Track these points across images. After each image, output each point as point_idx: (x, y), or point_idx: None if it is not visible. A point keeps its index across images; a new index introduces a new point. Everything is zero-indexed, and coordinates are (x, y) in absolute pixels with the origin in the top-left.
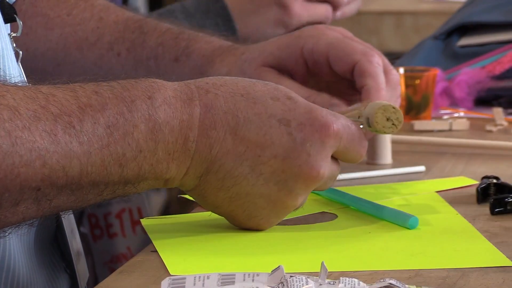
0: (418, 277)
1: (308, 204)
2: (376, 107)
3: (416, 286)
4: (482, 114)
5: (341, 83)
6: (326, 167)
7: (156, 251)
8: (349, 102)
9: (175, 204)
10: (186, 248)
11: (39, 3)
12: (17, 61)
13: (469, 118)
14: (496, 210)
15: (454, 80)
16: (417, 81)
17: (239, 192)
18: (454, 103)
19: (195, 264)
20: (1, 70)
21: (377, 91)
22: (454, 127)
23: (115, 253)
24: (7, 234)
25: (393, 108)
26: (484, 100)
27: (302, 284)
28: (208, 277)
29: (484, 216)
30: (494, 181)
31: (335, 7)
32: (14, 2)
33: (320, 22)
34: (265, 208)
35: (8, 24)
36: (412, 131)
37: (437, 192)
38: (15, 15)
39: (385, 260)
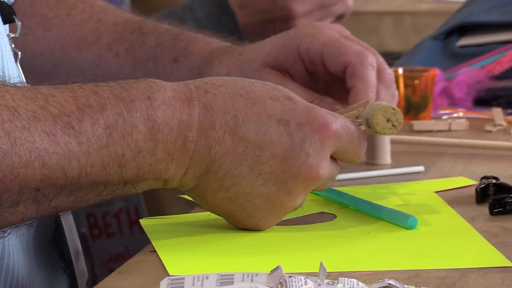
0: (417, 277)
1: (307, 204)
2: (376, 108)
3: (415, 286)
4: (481, 114)
5: (338, 82)
6: (325, 167)
7: (155, 251)
8: (347, 101)
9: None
10: (185, 248)
11: (38, 4)
12: (15, 61)
13: (468, 118)
14: (495, 210)
15: (454, 80)
16: (416, 81)
17: (238, 192)
18: (453, 103)
19: (194, 264)
20: (0, 71)
21: (365, 94)
22: (453, 127)
23: (113, 252)
24: (6, 234)
25: (393, 109)
26: (483, 100)
27: (301, 285)
28: (207, 277)
29: (483, 217)
30: (493, 181)
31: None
32: (13, 3)
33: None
34: (264, 208)
35: (7, 25)
36: (411, 131)
37: (436, 192)
38: (13, 16)
39: (384, 260)
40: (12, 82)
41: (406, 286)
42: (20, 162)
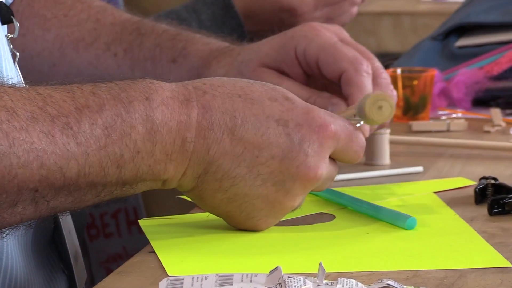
0: (416, 277)
1: (306, 205)
2: (366, 98)
3: (414, 286)
4: (480, 114)
5: (336, 84)
6: (324, 167)
7: (154, 251)
8: (346, 101)
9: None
10: (184, 249)
11: (36, 4)
12: (14, 62)
13: (467, 119)
14: (494, 211)
15: (452, 81)
16: (415, 82)
17: (237, 193)
18: (452, 104)
19: (193, 264)
20: None
21: None
22: (452, 128)
23: (111, 253)
24: (4, 235)
25: (382, 95)
26: (482, 100)
27: (300, 285)
28: (206, 278)
29: (482, 217)
30: (492, 181)
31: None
32: (11, 3)
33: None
34: (263, 209)
35: (5, 26)
36: (410, 131)
37: (435, 192)
38: (12, 17)
39: (383, 260)
40: (10, 83)
41: (405, 286)
42: (18, 162)
